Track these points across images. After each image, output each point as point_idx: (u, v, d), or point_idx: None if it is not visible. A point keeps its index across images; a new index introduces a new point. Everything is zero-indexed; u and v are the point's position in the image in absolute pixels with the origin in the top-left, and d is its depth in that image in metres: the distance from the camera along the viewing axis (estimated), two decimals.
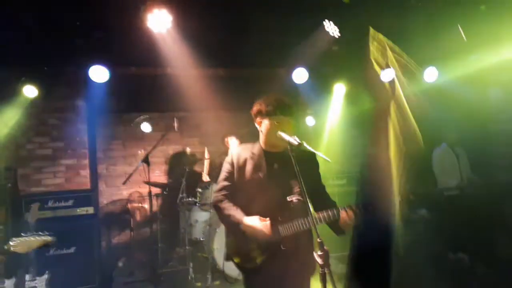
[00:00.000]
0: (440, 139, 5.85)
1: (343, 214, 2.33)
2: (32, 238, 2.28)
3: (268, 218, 2.36)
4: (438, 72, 5.67)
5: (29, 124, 5.18)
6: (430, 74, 5.70)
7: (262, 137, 2.54)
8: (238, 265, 2.51)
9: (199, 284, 4.59)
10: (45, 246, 2.34)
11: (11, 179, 4.89)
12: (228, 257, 2.56)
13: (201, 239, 5.01)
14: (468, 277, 4.86)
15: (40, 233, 2.35)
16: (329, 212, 2.34)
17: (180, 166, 5.33)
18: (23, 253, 2.29)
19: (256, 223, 2.35)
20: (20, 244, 2.25)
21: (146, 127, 6.05)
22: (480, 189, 5.37)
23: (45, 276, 4.19)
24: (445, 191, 5.37)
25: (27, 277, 4.12)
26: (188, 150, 5.59)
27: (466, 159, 5.78)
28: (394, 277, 4.65)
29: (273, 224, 2.36)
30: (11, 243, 2.24)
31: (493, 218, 5.32)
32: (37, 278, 4.16)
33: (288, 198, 2.37)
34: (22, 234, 2.30)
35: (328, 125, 6.52)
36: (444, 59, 5.43)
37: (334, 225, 2.40)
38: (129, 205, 5.78)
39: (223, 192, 2.55)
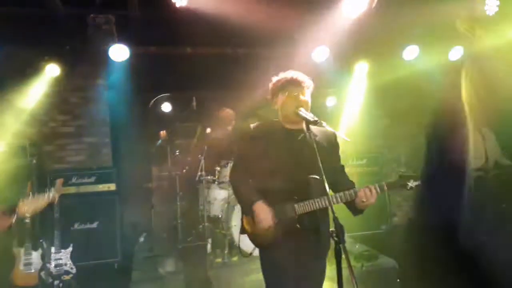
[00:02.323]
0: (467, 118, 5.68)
1: (361, 193, 2.31)
2: (37, 197, 2.34)
3: (274, 207, 2.35)
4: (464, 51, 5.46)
5: (52, 102, 5.27)
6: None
7: (281, 115, 2.52)
8: (252, 240, 2.53)
9: (217, 259, 4.66)
10: (51, 204, 2.41)
11: (36, 155, 5.04)
12: (243, 231, 2.58)
13: (220, 216, 5.08)
14: (487, 261, 4.79)
15: (47, 190, 2.41)
16: (346, 192, 2.33)
17: (199, 144, 5.36)
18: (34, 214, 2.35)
19: (263, 213, 2.33)
20: (28, 204, 2.32)
21: (166, 106, 6.12)
22: (507, 172, 5.22)
23: (70, 249, 4.33)
24: (471, 171, 5.24)
25: (53, 249, 4.27)
26: (208, 129, 5.62)
27: (494, 141, 5.61)
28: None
29: (289, 202, 2.36)
30: (20, 203, 2.31)
31: None
32: (62, 250, 4.31)
33: (306, 176, 2.35)
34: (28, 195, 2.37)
35: (348, 104, 6.42)
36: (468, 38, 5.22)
37: (351, 205, 2.39)
38: (149, 183, 5.89)
39: (240, 170, 2.57)
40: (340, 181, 2.49)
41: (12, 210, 2.30)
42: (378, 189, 2.32)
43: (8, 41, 4.67)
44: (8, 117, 4.92)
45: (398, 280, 4.29)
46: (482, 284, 4.10)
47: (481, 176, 5.21)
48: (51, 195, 2.39)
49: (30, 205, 2.33)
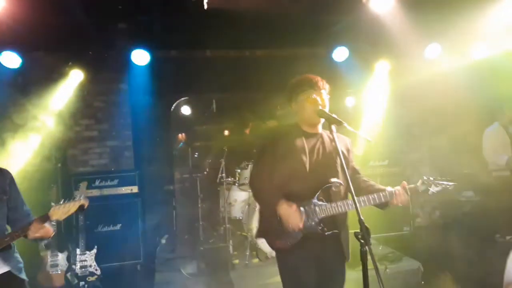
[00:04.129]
0: (492, 118, 5.55)
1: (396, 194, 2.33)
2: (68, 204, 2.39)
3: (299, 209, 2.32)
4: (488, 46, 5.34)
5: (76, 106, 5.37)
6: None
7: (300, 118, 2.51)
8: (270, 243, 2.48)
9: (238, 261, 4.67)
10: (81, 209, 2.45)
11: (61, 159, 5.16)
12: (259, 234, 2.54)
13: (240, 218, 5.09)
14: None
15: (76, 198, 2.46)
16: (370, 196, 2.34)
17: (219, 146, 5.40)
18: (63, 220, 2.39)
19: (291, 211, 2.30)
20: (58, 210, 2.37)
21: (186, 109, 6.18)
22: None
23: (94, 251, 4.41)
24: (494, 171, 5.12)
25: (78, 251, 4.35)
26: (226, 132, 5.66)
27: None
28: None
29: (309, 205, 2.34)
30: (50, 211, 2.36)
31: None
32: (87, 252, 4.39)
33: (327, 180, 2.33)
34: (61, 202, 2.41)
35: (369, 104, 6.34)
36: (494, 33, 5.10)
37: (380, 205, 2.40)
38: (171, 185, 5.95)
39: (261, 173, 2.53)
40: (358, 183, 2.50)
41: (46, 218, 2.35)
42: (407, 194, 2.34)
43: (34, 47, 4.81)
44: (34, 122, 5.05)
45: (423, 282, 4.20)
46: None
47: (507, 176, 5.08)
48: (82, 200, 2.43)
49: (62, 211, 2.37)
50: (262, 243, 4.41)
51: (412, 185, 2.39)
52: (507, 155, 5.35)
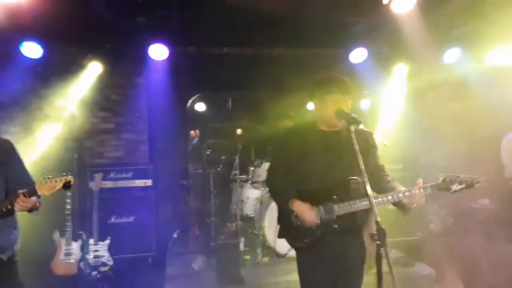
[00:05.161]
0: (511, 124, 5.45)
1: (412, 194, 2.25)
2: (55, 180, 2.40)
3: (315, 206, 2.33)
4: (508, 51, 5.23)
5: (94, 99, 5.43)
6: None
7: (319, 116, 2.49)
8: (290, 243, 2.50)
9: (249, 258, 4.68)
10: (67, 186, 2.45)
11: (77, 150, 5.23)
12: (281, 234, 2.55)
13: (252, 215, 5.10)
14: None
15: (64, 174, 2.47)
16: (387, 196, 2.28)
17: (233, 144, 5.41)
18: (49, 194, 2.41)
19: (305, 208, 2.32)
20: (45, 185, 2.38)
21: (200, 106, 6.21)
22: None
23: (107, 241, 4.47)
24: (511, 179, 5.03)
25: (91, 241, 4.42)
26: (239, 131, 5.66)
27: None
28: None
29: (327, 203, 2.33)
30: (36, 185, 2.37)
31: None
32: (100, 242, 4.45)
33: (345, 177, 2.32)
34: (45, 177, 2.42)
35: (385, 107, 6.28)
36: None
37: (399, 204, 2.34)
38: (185, 180, 5.98)
39: (277, 171, 2.56)
40: (381, 181, 2.44)
41: (32, 192, 2.36)
42: (422, 192, 2.26)
43: (55, 39, 4.87)
44: (53, 112, 5.13)
45: None
46: None
47: None
48: (68, 177, 2.44)
49: (49, 185, 2.38)
50: (275, 242, 4.46)
51: (433, 183, 2.31)
52: None
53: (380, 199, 2.28)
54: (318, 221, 2.32)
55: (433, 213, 6.31)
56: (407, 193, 2.27)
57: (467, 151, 5.95)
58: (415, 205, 2.28)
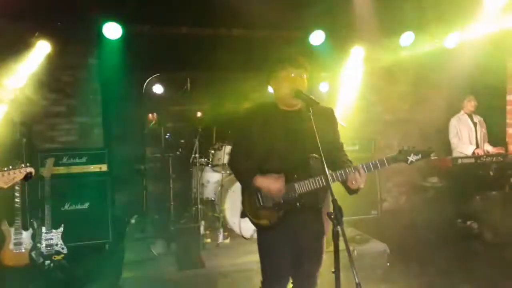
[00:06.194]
0: (459, 107, 5.74)
1: (350, 175, 2.29)
2: (13, 171, 2.25)
3: (282, 174, 2.36)
4: (461, 37, 5.46)
5: (43, 80, 5.12)
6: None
7: (277, 96, 2.50)
8: (253, 222, 2.53)
9: (209, 241, 4.67)
10: (28, 178, 2.32)
11: (26, 134, 4.95)
12: (243, 214, 2.57)
13: (213, 199, 5.08)
14: (476, 245, 4.89)
15: (23, 165, 2.33)
16: (342, 171, 2.31)
17: (192, 127, 5.32)
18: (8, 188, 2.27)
19: (270, 179, 2.35)
20: (2, 177, 2.22)
21: (158, 88, 6.02)
22: (495, 158, 5.31)
23: (61, 229, 4.30)
24: (459, 159, 5.31)
25: (44, 229, 4.24)
26: (199, 114, 5.57)
27: (484, 127, 5.69)
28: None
29: (289, 182, 2.36)
30: None
31: (505, 188, 5.30)
32: (53, 231, 4.28)
33: (305, 156, 2.34)
34: (5, 168, 2.26)
35: (343, 90, 6.39)
36: (465, 22, 5.21)
37: (347, 184, 2.36)
38: (142, 164, 5.84)
39: (238, 153, 2.57)
40: (338, 159, 2.47)
41: None
42: (378, 164, 2.30)
43: None
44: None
45: (388, 264, 4.35)
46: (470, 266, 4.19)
47: (472, 164, 5.29)
48: (28, 168, 2.30)
49: (7, 177, 2.22)
50: (235, 225, 4.48)
51: (391, 155, 2.34)
52: (472, 144, 5.57)
53: (334, 175, 2.31)
54: (281, 201, 2.35)
55: (387, 192, 6.58)
56: (354, 170, 2.28)
57: (419, 132, 6.21)
58: (360, 186, 2.30)
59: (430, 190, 5.99)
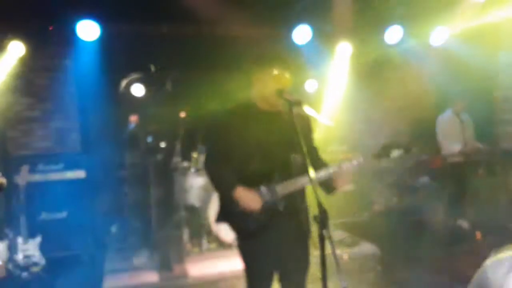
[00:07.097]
0: (446, 105, 5.68)
1: (336, 174, 2.28)
2: None
3: (258, 190, 2.27)
4: (447, 33, 5.40)
5: (16, 84, 4.97)
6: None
7: (258, 96, 2.38)
8: (233, 229, 2.40)
9: (194, 249, 4.54)
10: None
11: None
12: (220, 219, 2.44)
13: (196, 205, 4.91)
14: (467, 243, 4.83)
15: None
16: (325, 171, 2.29)
17: (174, 129, 5.15)
18: None
19: (249, 196, 2.25)
20: None
21: (138, 88, 5.82)
22: (483, 156, 5.27)
23: (38, 240, 4.17)
24: (448, 157, 5.25)
25: (20, 240, 4.08)
26: (182, 114, 5.40)
27: (471, 126, 5.63)
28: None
29: (270, 183, 2.28)
30: None
31: (495, 186, 5.27)
32: (30, 241, 4.14)
33: (285, 156, 2.27)
34: None
35: (330, 89, 6.28)
36: (453, 20, 5.16)
37: (326, 183, 2.33)
38: (122, 170, 5.65)
39: (215, 157, 2.43)
40: (316, 162, 2.40)
41: None
42: (361, 161, 2.29)
43: None
44: None
45: (379, 267, 4.26)
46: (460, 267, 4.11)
47: (460, 162, 5.24)
48: (1, 179, 2.15)
49: None
50: (220, 231, 4.33)
51: (374, 152, 2.40)
52: (460, 142, 5.51)
53: (317, 175, 2.24)
54: (260, 206, 2.24)
55: (378, 193, 6.48)
56: (341, 165, 2.28)
57: (409, 131, 6.14)
58: (343, 186, 2.29)
59: (421, 190, 5.93)
